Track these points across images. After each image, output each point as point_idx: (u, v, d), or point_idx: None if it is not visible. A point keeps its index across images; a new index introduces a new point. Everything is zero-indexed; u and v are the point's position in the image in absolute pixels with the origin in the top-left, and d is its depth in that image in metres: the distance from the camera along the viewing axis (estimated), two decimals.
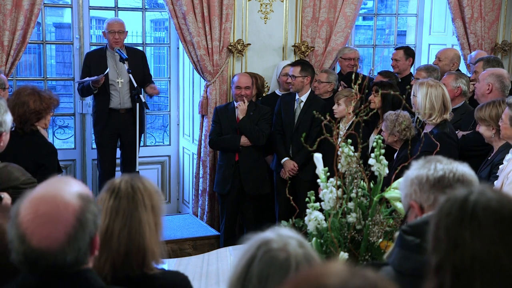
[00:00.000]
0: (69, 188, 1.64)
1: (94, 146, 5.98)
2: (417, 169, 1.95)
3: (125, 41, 5.78)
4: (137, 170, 5.23)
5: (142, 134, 5.58)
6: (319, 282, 1.10)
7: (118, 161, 5.84)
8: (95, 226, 1.65)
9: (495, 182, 3.56)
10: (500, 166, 3.57)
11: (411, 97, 4.21)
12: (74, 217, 1.59)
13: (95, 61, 5.56)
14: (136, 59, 5.60)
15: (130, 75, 5.29)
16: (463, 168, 1.93)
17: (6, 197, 2.74)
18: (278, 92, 5.76)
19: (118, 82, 5.57)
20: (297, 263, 1.42)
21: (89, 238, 1.63)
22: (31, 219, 1.56)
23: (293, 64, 5.40)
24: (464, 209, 1.39)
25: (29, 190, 2.72)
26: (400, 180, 2.31)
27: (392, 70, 6.09)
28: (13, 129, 3.79)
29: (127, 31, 5.64)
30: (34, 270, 1.59)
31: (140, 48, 6.40)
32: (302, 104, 5.38)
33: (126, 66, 5.35)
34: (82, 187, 1.68)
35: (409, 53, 6.08)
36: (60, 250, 1.57)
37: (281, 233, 1.49)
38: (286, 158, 5.36)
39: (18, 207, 1.60)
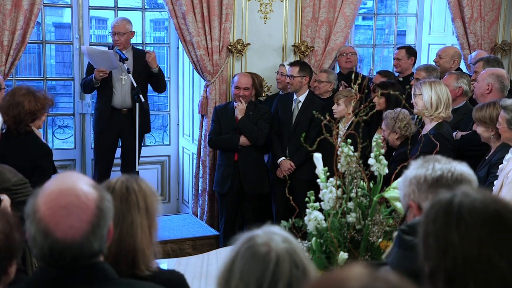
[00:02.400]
0: (82, 180, 1.67)
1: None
2: (416, 168, 1.95)
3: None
4: (137, 170, 5.23)
5: (145, 134, 5.55)
6: (340, 286, 1.10)
7: (116, 161, 5.81)
8: (112, 214, 1.69)
9: (495, 182, 3.57)
10: (500, 166, 3.58)
11: (412, 96, 4.22)
12: (95, 206, 1.62)
13: None
14: (143, 60, 5.57)
15: (130, 75, 5.29)
16: (462, 168, 1.93)
17: (6, 199, 2.74)
18: (281, 93, 5.76)
19: (121, 79, 5.55)
20: (278, 256, 1.43)
21: (108, 225, 1.66)
22: (53, 212, 1.58)
23: (291, 64, 5.40)
24: (450, 213, 1.39)
25: (22, 191, 2.71)
26: (400, 179, 2.31)
27: (393, 69, 6.10)
28: (4, 130, 3.78)
29: (133, 32, 5.59)
30: (59, 263, 1.60)
31: (139, 48, 6.40)
32: (300, 104, 5.39)
33: (125, 66, 5.34)
34: (89, 179, 1.71)
35: (411, 52, 6.09)
36: (85, 239, 1.59)
37: (267, 230, 1.51)
38: (282, 158, 5.36)
39: (33, 204, 1.61)
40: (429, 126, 4.14)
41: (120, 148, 5.77)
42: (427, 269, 1.39)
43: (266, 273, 1.41)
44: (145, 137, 6.65)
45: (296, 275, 1.42)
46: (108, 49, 5.54)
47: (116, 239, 1.99)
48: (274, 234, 1.49)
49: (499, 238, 1.35)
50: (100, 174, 5.52)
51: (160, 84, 5.69)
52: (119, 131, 5.63)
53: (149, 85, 5.68)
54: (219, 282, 1.47)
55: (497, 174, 3.60)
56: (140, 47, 6.33)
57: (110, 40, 5.67)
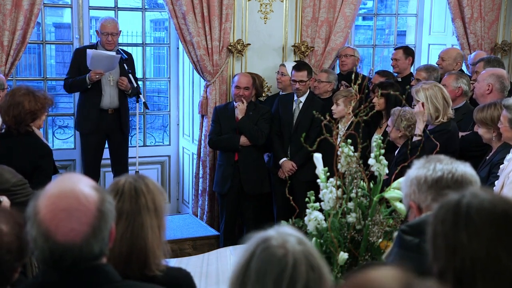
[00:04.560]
0: (83, 182, 1.66)
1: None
2: (417, 168, 1.95)
3: (125, 41, 5.75)
4: (136, 170, 5.23)
5: (129, 134, 5.55)
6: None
7: (107, 162, 5.79)
8: (113, 216, 1.68)
9: (495, 182, 3.56)
10: (501, 166, 3.57)
11: (413, 106, 4.23)
12: (96, 208, 1.61)
13: (85, 58, 5.35)
14: (127, 60, 5.54)
15: (130, 75, 5.28)
16: (464, 169, 1.92)
17: (5, 200, 2.74)
18: (282, 93, 5.75)
19: (110, 80, 5.51)
20: (295, 260, 1.42)
21: (109, 228, 1.66)
22: (53, 215, 1.58)
23: (298, 69, 5.34)
24: (458, 213, 1.39)
25: (21, 191, 2.71)
26: (401, 179, 2.31)
27: (392, 70, 6.09)
28: (3, 130, 3.79)
29: (120, 31, 5.59)
30: (60, 265, 1.60)
31: (140, 48, 6.40)
32: (301, 105, 5.38)
33: (125, 66, 5.34)
34: (91, 180, 1.71)
35: (409, 52, 6.08)
36: (86, 242, 1.59)
37: (281, 231, 1.49)
38: (284, 159, 5.36)
39: (34, 206, 1.61)
40: (433, 125, 4.16)
41: (107, 149, 5.74)
42: (435, 270, 1.39)
43: (284, 276, 1.40)
44: (145, 137, 6.66)
45: (312, 278, 1.41)
46: (94, 46, 5.52)
47: (128, 241, 2.01)
48: (289, 236, 1.48)
49: (508, 238, 1.35)
50: (89, 175, 5.48)
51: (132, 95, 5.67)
52: (106, 132, 5.61)
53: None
54: (233, 283, 1.46)
55: (498, 174, 3.59)
56: (140, 47, 6.33)
57: None
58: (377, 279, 1.13)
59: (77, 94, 5.99)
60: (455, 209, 1.40)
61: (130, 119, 5.82)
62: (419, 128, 4.14)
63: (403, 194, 2.00)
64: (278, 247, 1.44)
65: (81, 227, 1.58)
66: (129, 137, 5.85)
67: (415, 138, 4.07)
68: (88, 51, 5.32)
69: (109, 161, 5.77)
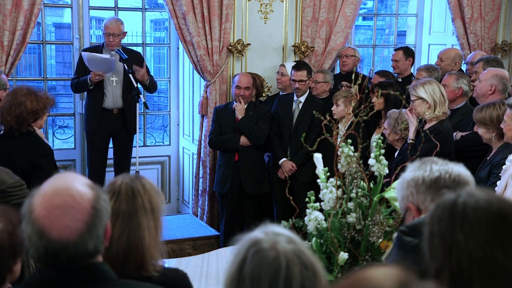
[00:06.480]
0: (78, 180, 1.67)
1: None
2: (413, 171, 1.95)
3: (125, 41, 5.75)
4: (137, 170, 5.23)
5: (135, 135, 5.56)
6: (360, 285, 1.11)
7: (109, 161, 5.79)
8: (108, 214, 1.69)
9: (498, 182, 3.55)
10: (504, 167, 3.55)
11: (411, 103, 4.24)
12: (90, 206, 1.62)
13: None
14: (133, 59, 5.55)
15: (130, 76, 5.27)
16: (459, 169, 1.94)
17: None
18: (282, 93, 5.75)
19: (112, 80, 5.53)
20: (287, 260, 1.42)
21: (104, 225, 1.66)
22: (48, 213, 1.58)
23: (298, 69, 5.34)
24: (454, 213, 1.39)
25: (18, 193, 2.72)
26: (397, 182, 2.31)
27: (392, 71, 6.09)
28: (1, 132, 3.79)
29: (125, 32, 5.57)
30: (55, 263, 1.60)
31: (140, 48, 6.40)
32: (300, 105, 5.39)
33: (125, 66, 5.33)
34: (86, 179, 1.71)
35: (409, 52, 6.08)
36: (80, 239, 1.59)
37: (269, 231, 1.48)
38: (284, 159, 5.36)
39: (29, 204, 1.62)
40: (429, 124, 4.15)
41: (112, 149, 5.75)
42: (432, 269, 1.39)
43: (279, 278, 1.40)
44: (145, 137, 6.66)
45: (307, 276, 1.41)
46: (99, 47, 5.54)
47: (124, 242, 2.01)
48: (278, 236, 1.47)
49: (504, 237, 1.35)
50: (94, 174, 5.51)
51: (151, 88, 5.68)
52: (110, 132, 5.62)
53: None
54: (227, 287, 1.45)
55: (500, 174, 3.58)
56: (140, 47, 6.33)
57: None
58: (374, 277, 1.13)
59: (77, 95, 6.01)
60: (451, 209, 1.40)
61: None
62: (411, 133, 4.15)
63: (399, 197, 2.01)
64: (269, 250, 1.43)
65: (76, 224, 1.59)
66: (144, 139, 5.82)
67: (409, 141, 4.08)
68: (83, 53, 5.36)
69: (111, 161, 5.77)
